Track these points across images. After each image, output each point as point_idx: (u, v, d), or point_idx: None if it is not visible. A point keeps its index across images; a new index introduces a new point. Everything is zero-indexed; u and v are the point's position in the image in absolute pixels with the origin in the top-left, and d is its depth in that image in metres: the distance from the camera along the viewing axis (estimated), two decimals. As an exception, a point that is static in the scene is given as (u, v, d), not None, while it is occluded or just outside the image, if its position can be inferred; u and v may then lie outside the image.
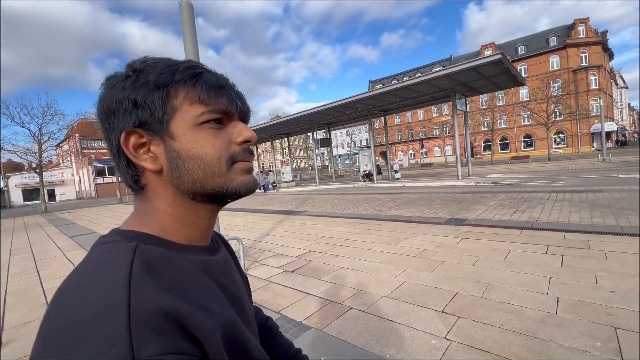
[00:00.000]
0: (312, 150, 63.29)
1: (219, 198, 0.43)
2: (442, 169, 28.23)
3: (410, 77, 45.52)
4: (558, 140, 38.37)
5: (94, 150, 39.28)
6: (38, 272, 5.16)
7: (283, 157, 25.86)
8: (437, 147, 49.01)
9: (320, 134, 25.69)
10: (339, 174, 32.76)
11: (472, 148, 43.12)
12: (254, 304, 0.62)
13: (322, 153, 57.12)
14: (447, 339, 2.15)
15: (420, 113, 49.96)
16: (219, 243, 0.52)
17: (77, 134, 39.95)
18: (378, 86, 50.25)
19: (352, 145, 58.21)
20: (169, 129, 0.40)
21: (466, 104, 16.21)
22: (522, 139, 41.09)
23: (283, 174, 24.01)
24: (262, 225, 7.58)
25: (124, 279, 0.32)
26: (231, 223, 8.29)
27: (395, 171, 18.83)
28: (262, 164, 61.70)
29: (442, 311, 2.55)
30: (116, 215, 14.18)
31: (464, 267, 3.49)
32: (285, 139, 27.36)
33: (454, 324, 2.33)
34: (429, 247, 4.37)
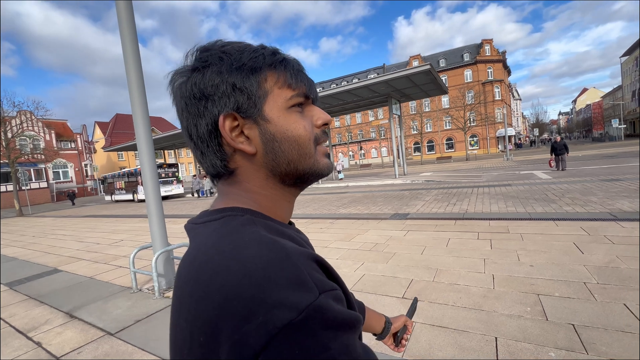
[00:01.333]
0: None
1: (305, 180, 0.44)
2: (379, 169, 30.20)
3: (348, 82, 47.73)
4: (473, 142, 44.31)
5: (-20, 153, 31.95)
6: None
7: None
8: (374, 149, 52.26)
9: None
10: (282, 175, 32.58)
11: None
12: None
13: (264, 155, 56.26)
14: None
15: (358, 116, 52.73)
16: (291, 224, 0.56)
17: (-47, 133, 32.00)
18: (318, 89, 51.52)
19: (295, 147, 58.53)
20: (263, 112, 0.40)
21: (400, 109, 17.69)
22: (445, 142, 46.40)
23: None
24: (209, 231, 7.14)
25: (268, 239, 0.35)
26: (175, 230, 7.61)
27: (339, 172, 19.52)
28: (199, 168, 58.04)
29: (402, 297, 2.76)
30: (18, 230, 11.80)
31: (414, 256, 3.81)
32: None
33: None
34: (380, 241, 4.66)
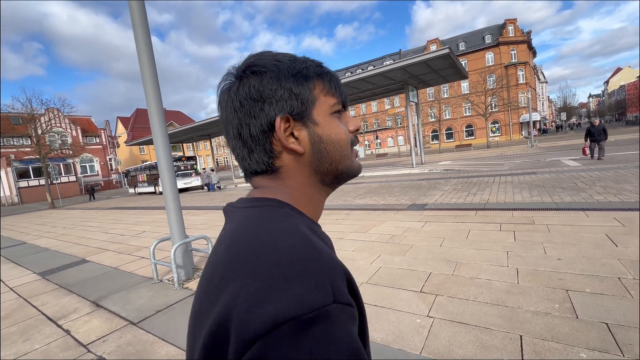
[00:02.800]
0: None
1: (340, 179, 0.49)
2: (396, 158, 29.67)
3: (363, 69, 46.71)
4: (494, 129, 42.59)
5: (14, 149, 33.92)
6: (-44, 294, 4.34)
7: (240, 151, 24.95)
8: (390, 138, 51.33)
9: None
10: (298, 166, 32.65)
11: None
12: None
13: (280, 146, 56.42)
14: (429, 317, 2.27)
15: (374, 105, 51.71)
16: None
17: (-11, 131, 34.03)
18: (333, 78, 50.76)
19: (310, 137, 58.36)
20: (312, 116, 0.45)
21: (417, 96, 17.14)
22: (464, 129, 44.84)
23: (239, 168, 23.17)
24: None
25: (302, 233, 0.37)
26: (191, 222, 7.81)
27: (354, 162, 19.32)
28: (217, 159, 59.16)
29: (420, 291, 2.69)
30: (50, 222, 12.50)
31: (432, 249, 3.71)
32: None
33: (434, 302, 2.47)
34: (397, 233, 4.56)
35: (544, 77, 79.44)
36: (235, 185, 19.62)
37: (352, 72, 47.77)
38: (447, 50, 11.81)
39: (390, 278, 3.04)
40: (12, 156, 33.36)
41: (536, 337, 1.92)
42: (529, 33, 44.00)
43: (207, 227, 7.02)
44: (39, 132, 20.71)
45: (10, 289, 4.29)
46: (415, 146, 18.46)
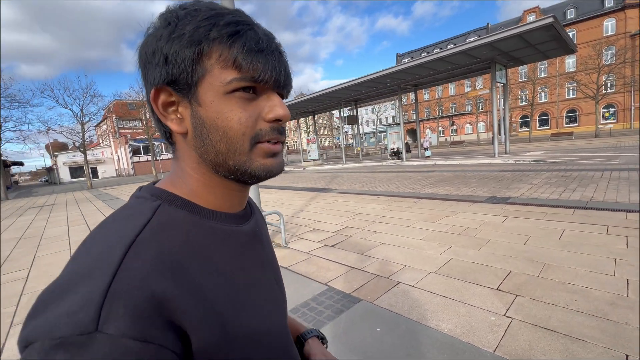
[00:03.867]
0: (337, 128, 62.44)
1: (239, 177, 0.39)
2: (474, 146, 26.92)
3: (441, 48, 42.76)
4: (607, 115, 34.96)
5: (130, 130, 41.29)
6: (95, 241, 5.61)
7: (309, 136, 25.75)
8: (468, 124, 46.56)
9: (345, 111, 25.18)
10: (364, 152, 32.23)
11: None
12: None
13: (347, 131, 56.26)
14: (507, 317, 2.08)
15: (452, 88, 47.21)
16: (252, 213, 0.48)
17: (113, 115, 42.01)
18: (406, 59, 47.75)
19: (378, 122, 56.70)
20: (197, 94, 0.36)
21: (506, 76, 15.03)
22: (565, 114, 37.89)
23: (309, 152, 24.02)
24: (295, 202, 7.69)
25: (127, 241, 0.32)
26: (264, 199, 8.49)
27: (426, 149, 18.21)
28: (287, 143, 62.20)
29: (497, 289, 2.47)
30: (154, 191, 15.00)
31: (514, 246, 3.34)
32: (311, 117, 27.11)
33: (513, 302, 2.25)
34: (472, 225, 4.22)
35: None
36: (304, 168, 20.45)
37: (428, 52, 44.25)
38: (550, 20, 9.98)
39: (462, 271, 2.86)
40: (129, 136, 40.56)
41: (649, 359, 1.61)
42: (673, -11, 34.01)
43: (279, 204, 7.54)
44: (147, 116, 24.68)
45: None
46: (499, 133, 16.43)
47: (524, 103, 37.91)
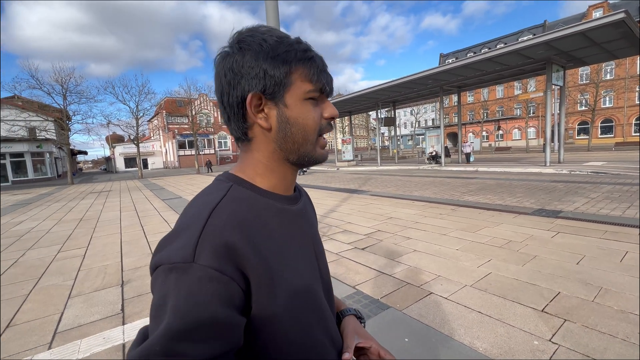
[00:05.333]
0: (373, 129, 61.46)
1: (302, 161, 0.53)
2: (522, 153, 25.00)
3: (490, 48, 40.09)
4: (688, 123, 30.41)
5: (177, 126, 44.27)
6: (142, 227, 6.10)
7: (344, 136, 25.65)
8: (516, 129, 43.27)
9: (383, 113, 24.65)
10: (401, 155, 31.34)
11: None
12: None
13: (383, 133, 55.13)
14: (553, 342, 1.90)
15: (499, 90, 44.17)
16: (301, 197, 0.60)
17: (164, 111, 45.33)
18: (451, 60, 45.54)
19: (417, 125, 54.80)
20: (284, 99, 0.48)
21: (564, 78, 13.71)
22: (634, 122, 33.67)
23: (344, 152, 23.93)
24: (327, 202, 7.70)
25: (211, 207, 0.45)
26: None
27: (468, 154, 17.24)
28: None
29: (542, 310, 2.26)
30: (195, 184, 15.93)
31: (564, 265, 3.03)
32: (347, 117, 26.97)
33: (560, 327, 2.04)
34: (516, 239, 3.91)
35: None
36: (338, 169, 20.43)
37: (475, 52, 41.91)
38: (621, 15, 8.92)
39: (501, 287, 2.66)
40: (176, 131, 43.38)
41: None
42: None
43: (310, 204, 7.60)
44: (193, 112, 26.29)
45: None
46: (552, 140, 15.07)
47: (583, 108, 34.38)
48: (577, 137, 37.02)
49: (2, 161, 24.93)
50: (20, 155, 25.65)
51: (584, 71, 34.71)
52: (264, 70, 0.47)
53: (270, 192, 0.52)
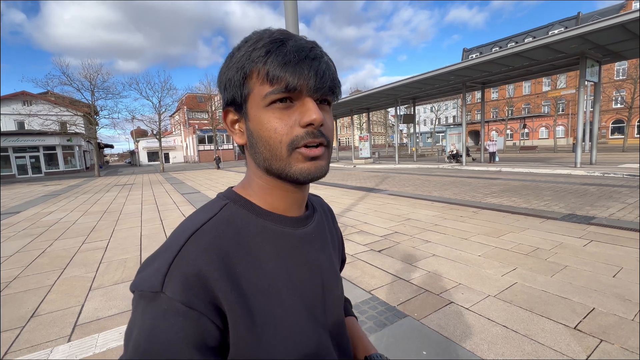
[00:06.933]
0: (391, 126, 60.40)
1: (285, 179, 0.44)
2: (549, 153, 23.83)
3: (517, 42, 38.19)
4: None
5: (198, 121, 45.33)
6: (162, 220, 6.25)
7: (362, 133, 25.33)
8: (543, 128, 41.27)
9: (402, 110, 24.11)
10: (419, 153, 30.63)
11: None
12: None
13: (401, 130, 54.09)
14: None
15: (526, 86, 42.17)
16: (313, 217, 0.52)
17: (185, 107, 46.52)
18: (474, 55, 43.82)
19: (437, 122, 53.37)
20: (247, 110, 0.42)
21: (599, 74, 12.85)
22: (677, 120, 31.19)
23: (361, 149, 23.66)
24: (343, 200, 7.61)
25: (193, 229, 0.40)
26: (313, 195, 8.56)
27: (492, 153, 16.57)
28: (340, 139, 61.97)
29: (574, 328, 2.09)
30: (214, 178, 16.24)
31: (599, 278, 2.81)
32: (365, 114, 26.62)
33: (596, 348, 1.87)
34: (544, 246, 3.68)
35: None
36: (354, 166, 20.24)
37: (501, 47, 40.14)
38: (668, 5, 8.18)
39: (529, 299, 2.49)
40: (196, 126, 44.42)
41: None
42: None
43: (326, 202, 7.53)
44: (213, 108, 26.76)
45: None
46: (584, 140, 14.22)
47: (618, 105, 32.26)
48: (610, 137, 34.85)
49: (35, 153, 26.44)
50: (52, 148, 27.10)
51: (620, 66, 32.51)
52: (228, 79, 0.42)
53: (270, 212, 0.46)
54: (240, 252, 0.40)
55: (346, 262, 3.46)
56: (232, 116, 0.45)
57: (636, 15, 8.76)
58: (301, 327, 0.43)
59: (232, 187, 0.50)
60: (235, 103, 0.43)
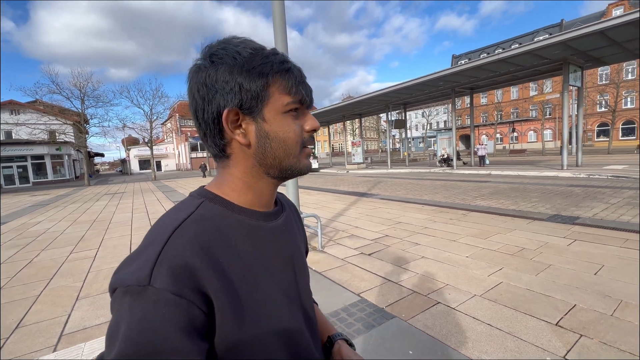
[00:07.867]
0: (384, 131, 60.98)
1: (285, 175, 0.51)
2: (538, 156, 24.29)
3: (504, 48, 39.19)
4: None
5: (190, 129, 45.11)
6: (152, 229, 6.18)
7: (354, 139, 25.52)
8: (532, 132, 42.15)
9: (394, 115, 24.41)
10: (412, 157, 30.95)
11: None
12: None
13: (394, 135, 54.63)
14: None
15: (514, 91, 43.17)
16: (283, 212, 0.57)
17: (177, 114, 46.29)
18: (463, 61, 44.79)
19: (428, 127, 54.10)
20: (262, 113, 0.47)
21: (582, 78, 13.26)
22: (658, 123, 32.21)
23: (354, 155, 23.82)
24: (335, 205, 7.65)
25: (174, 225, 0.43)
26: (305, 201, 8.59)
27: (482, 157, 16.84)
28: (333, 145, 62.28)
29: (556, 324, 2.15)
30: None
31: (581, 275, 2.89)
32: (357, 119, 26.86)
33: (576, 343, 1.93)
34: (529, 246, 3.76)
35: None
36: (347, 171, 20.34)
37: (489, 53, 41.12)
38: (643, 13, 8.56)
39: (513, 298, 2.54)
40: (189, 134, 44.15)
41: None
42: None
43: (318, 207, 7.56)
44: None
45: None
46: (570, 143, 14.60)
47: (603, 109, 33.21)
48: (596, 140, 35.76)
49: (23, 163, 25.93)
50: (41, 157, 26.62)
51: (603, 71, 33.57)
52: (240, 84, 0.45)
53: (245, 208, 0.50)
54: (220, 244, 0.44)
55: (337, 266, 3.48)
56: (233, 117, 0.46)
57: (614, 22, 9.12)
58: (279, 309, 0.47)
59: (203, 186, 0.52)
60: (245, 105, 0.46)
